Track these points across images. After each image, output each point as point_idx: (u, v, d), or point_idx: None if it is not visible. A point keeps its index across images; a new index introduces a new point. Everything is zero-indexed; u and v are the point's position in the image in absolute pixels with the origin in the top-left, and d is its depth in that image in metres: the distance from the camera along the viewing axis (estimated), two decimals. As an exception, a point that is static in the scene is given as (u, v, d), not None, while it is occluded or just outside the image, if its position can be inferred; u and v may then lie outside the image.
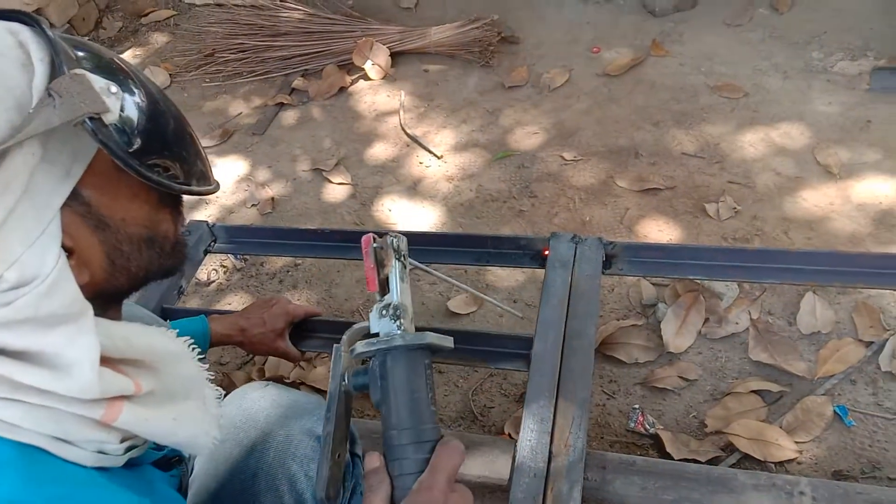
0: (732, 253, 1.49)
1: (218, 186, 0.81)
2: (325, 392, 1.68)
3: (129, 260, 0.70)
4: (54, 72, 0.60)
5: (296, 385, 1.69)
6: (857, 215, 1.89)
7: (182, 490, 0.89)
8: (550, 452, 1.17)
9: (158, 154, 0.68)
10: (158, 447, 0.76)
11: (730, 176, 2.07)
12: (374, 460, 0.70)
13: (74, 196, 0.63)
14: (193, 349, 0.76)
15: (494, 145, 2.35)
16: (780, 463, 1.42)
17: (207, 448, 0.74)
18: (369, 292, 0.80)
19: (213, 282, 2.03)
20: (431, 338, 0.73)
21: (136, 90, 0.67)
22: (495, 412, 1.58)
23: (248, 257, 2.07)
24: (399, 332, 0.74)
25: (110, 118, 0.62)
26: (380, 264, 0.79)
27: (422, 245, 1.63)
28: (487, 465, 1.27)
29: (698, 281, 1.71)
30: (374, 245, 0.79)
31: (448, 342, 0.75)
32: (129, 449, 0.66)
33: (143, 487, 0.68)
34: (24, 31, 0.62)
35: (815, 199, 1.95)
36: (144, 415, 0.65)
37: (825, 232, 1.86)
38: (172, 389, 0.71)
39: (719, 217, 1.94)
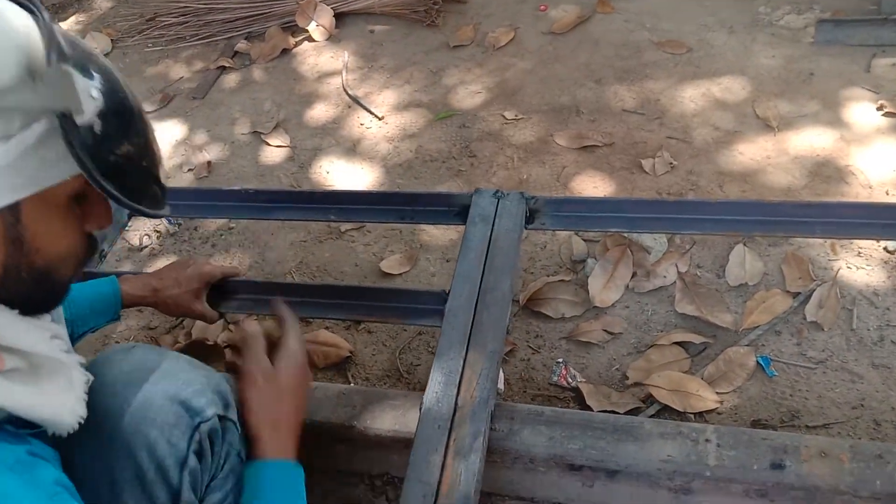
0: (654, 205, 1.48)
1: (168, 211, 0.82)
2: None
3: (15, 283, 0.69)
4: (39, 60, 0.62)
5: (221, 348, 1.67)
6: (793, 167, 1.88)
7: None
8: (456, 404, 1.16)
9: (120, 168, 0.68)
10: None
11: (668, 131, 2.05)
12: None
13: (13, 207, 0.63)
14: (60, 340, 0.76)
15: (437, 105, 2.31)
16: (700, 413, 1.42)
17: (72, 426, 0.74)
18: None
19: (146, 247, 2.00)
20: None
21: (116, 99, 0.68)
22: (421, 370, 1.57)
23: (181, 221, 2.04)
24: None
25: (83, 119, 0.62)
26: None
27: (346, 204, 1.60)
28: (398, 419, 1.26)
29: (625, 235, 1.70)
30: None
31: None
32: None
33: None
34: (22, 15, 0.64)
35: (752, 152, 1.94)
36: (9, 387, 0.65)
37: (760, 185, 1.85)
38: (37, 370, 0.71)
39: (655, 173, 1.92)
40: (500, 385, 1.47)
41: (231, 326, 1.74)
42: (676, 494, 1.21)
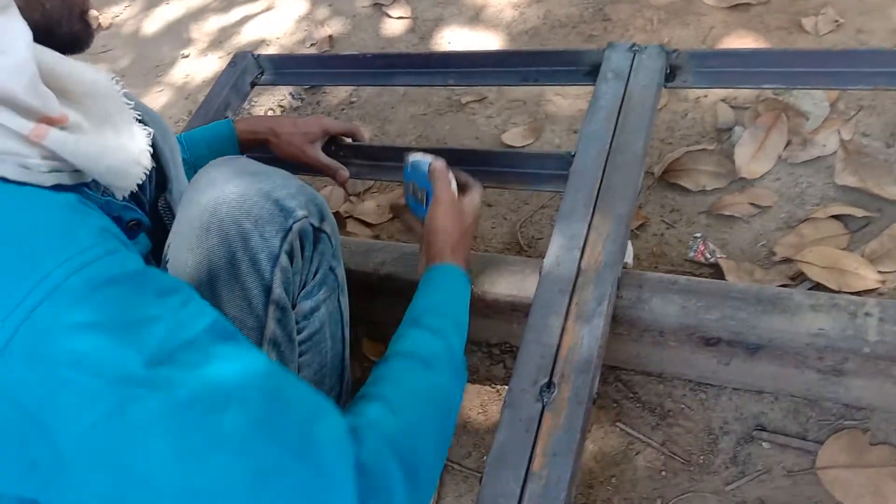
0: (817, 56, 1.28)
1: None
2: (373, 225, 1.64)
3: (59, 24, 0.73)
4: None
5: (343, 218, 1.65)
6: None
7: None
8: (579, 268, 1.07)
9: None
10: (105, 194, 0.77)
11: (836, -15, 1.78)
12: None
13: None
14: (119, 84, 0.79)
15: (568, -32, 2.13)
16: (858, 294, 1.26)
17: (138, 178, 0.76)
18: None
19: (270, 122, 2.00)
20: None
21: None
22: (543, 244, 1.49)
23: (304, 97, 2.02)
24: None
25: None
26: None
27: (462, 67, 1.51)
28: (517, 285, 1.19)
29: (780, 99, 1.51)
30: None
31: None
32: (53, 170, 0.65)
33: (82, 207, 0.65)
34: None
35: (941, 6, 1.65)
36: (72, 138, 0.66)
37: (948, 43, 1.58)
38: (99, 122, 0.73)
39: (817, 32, 1.68)
40: (630, 259, 1.37)
41: (351, 198, 1.72)
42: (826, 376, 1.08)
